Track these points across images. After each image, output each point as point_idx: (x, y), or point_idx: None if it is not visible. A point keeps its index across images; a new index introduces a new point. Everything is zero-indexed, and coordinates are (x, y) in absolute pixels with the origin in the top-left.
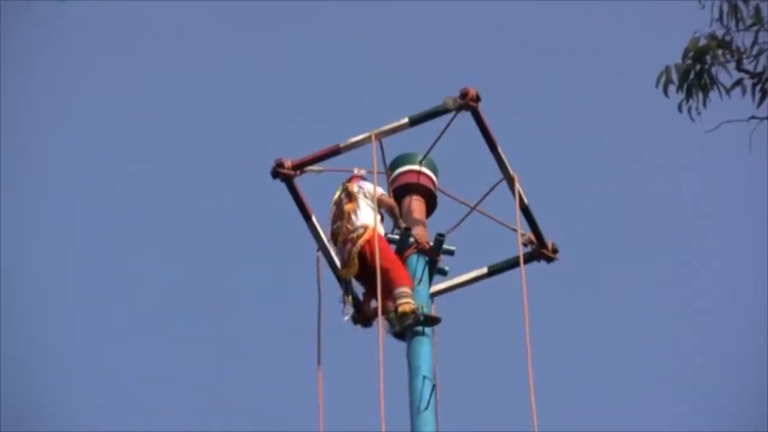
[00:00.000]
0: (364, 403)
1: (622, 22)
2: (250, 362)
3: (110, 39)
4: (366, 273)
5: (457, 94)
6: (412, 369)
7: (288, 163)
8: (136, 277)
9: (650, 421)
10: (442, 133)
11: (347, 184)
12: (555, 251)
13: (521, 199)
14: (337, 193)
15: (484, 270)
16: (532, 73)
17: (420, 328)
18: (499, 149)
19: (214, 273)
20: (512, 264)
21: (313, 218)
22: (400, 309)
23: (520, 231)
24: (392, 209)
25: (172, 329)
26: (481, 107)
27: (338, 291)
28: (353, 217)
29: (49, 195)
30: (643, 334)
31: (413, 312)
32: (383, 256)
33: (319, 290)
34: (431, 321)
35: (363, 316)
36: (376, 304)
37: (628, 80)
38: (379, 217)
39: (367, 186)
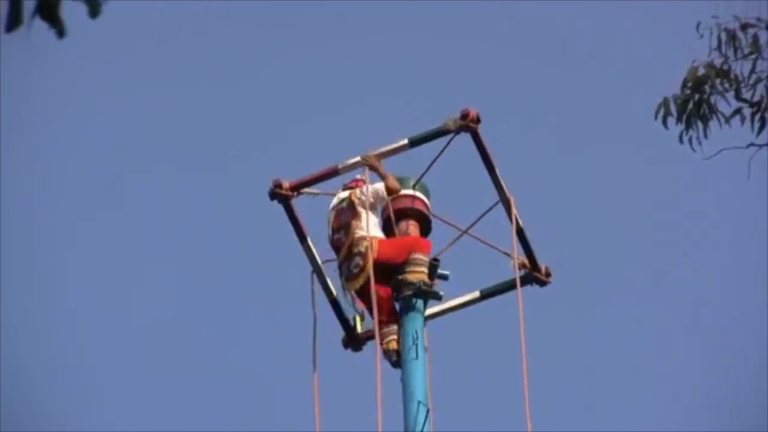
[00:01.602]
0: (358, 426)
1: (620, 51)
2: (248, 368)
3: (109, 47)
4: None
5: (457, 113)
6: (406, 394)
7: (286, 184)
8: (136, 281)
9: None
10: (439, 155)
11: (351, 192)
12: (548, 275)
13: (516, 222)
14: (336, 200)
15: (477, 294)
16: (528, 93)
17: (414, 354)
18: (497, 171)
19: (214, 279)
20: (505, 288)
21: (309, 240)
22: (389, 346)
23: (516, 255)
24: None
25: (171, 332)
26: (481, 129)
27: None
28: (356, 228)
29: (49, 198)
30: (638, 359)
31: (396, 351)
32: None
33: (314, 312)
34: (432, 294)
35: (354, 340)
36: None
37: (626, 109)
38: (376, 221)
39: (369, 190)
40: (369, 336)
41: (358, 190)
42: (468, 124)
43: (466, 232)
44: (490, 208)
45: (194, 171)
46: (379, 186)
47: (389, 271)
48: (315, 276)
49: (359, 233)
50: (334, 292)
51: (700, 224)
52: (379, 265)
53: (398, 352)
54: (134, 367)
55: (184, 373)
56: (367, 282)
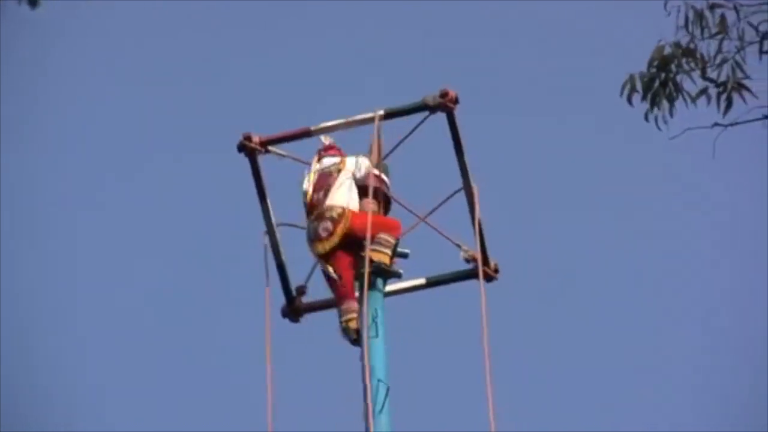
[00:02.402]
0: (314, 402)
1: (587, 28)
2: (250, 360)
3: (101, 40)
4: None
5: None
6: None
7: (256, 138)
8: (136, 278)
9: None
10: (411, 132)
11: (342, 161)
12: (496, 271)
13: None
14: (322, 165)
15: (423, 281)
16: (497, 79)
17: (374, 333)
18: (465, 157)
19: (213, 273)
20: (453, 278)
21: (268, 200)
22: (349, 325)
23: (477, 247)
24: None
25: (172, 329)
26: (457, 111)
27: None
28: (336, 194)
29: (48, 194)
30: (601, 349)
31: (356, 330)
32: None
33: (266, 274)
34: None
35: (293, 309)
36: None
37: (594, 85)
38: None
39: (364, 163)
40: (309, 308)
41: (350, 162)
42: (446, 103)
43: (423, 220)
44: (452, 195)
45: (182, 162)
46: (368, 163)
47: (355, 244)
48: (267, 237)
49: (338, 201)
50: (283, 258)
51: (667, 204)
52: (348, 236)
53: (358, 331)
54: (134, 367)
55: (185, 369)
56: (333, 249)
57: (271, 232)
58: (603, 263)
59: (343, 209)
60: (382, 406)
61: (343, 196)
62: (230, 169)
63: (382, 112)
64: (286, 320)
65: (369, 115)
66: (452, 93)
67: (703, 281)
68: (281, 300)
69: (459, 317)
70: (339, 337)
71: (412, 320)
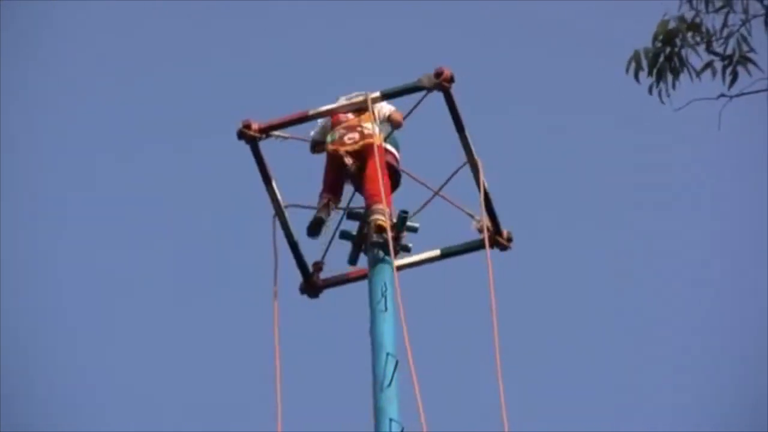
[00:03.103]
0: (323, 380)
1: (590, 5)
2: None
3: (90, 36)
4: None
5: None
6: (375, 345)
7: (255, 126)
8: (135, 276)
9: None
10: (410, 111)
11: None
12: (509, 240)
13: (483, 185)
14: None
15: (437, 252)
16: (499, 59)
17: (383, 307)
18: (467, 133)
19: (213, 268)
20: (467, 249)
21: (274, 183)
22: (377, 222)
23: (485, 217)
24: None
25: (172, 326)
26: (454, 89)
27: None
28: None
29: (43, 192)
30: (594, 326)
31: (384, 229)
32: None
33: (275, 257)
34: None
35: (311, 285)
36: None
37: (597, 63)
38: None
39: (384, 108)
40: (326, 284)
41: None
42: (441, 83)
43: (437, 193)
44: (457, 170)
45: (175, 150)
46: (392, 109)
47: (349, 173)
48: (277, 220)
49: (372, 129)
50: (295, 237)
51: (672, 180)
52: (358, 159)
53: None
54: (134, 367)
55: (185, 368)
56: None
57: (280, 214)
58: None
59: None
60: (391, 380)
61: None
62: (233, 154)
63: (377, 94)
64: (304, 297)
65: (363, 97)
66: (447, 72)
67: (705, 255)
68: (297, 280)
69: (473, 288)
70: (355, 313)
71: (427, 293)
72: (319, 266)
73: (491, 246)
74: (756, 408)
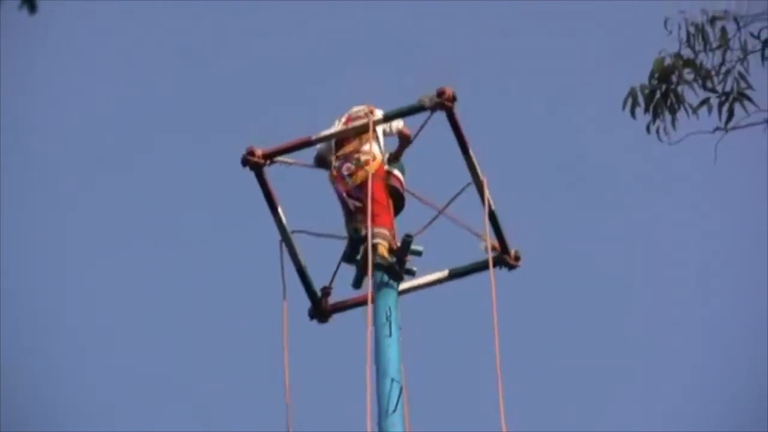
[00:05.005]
0: (328, 404)
1: (588, 48)
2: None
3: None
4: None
5: (433, 92)
6: (379, 371)
7: (259, 152)
8: (135, 276)
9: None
10: (416, 135)
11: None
12: (517, 258)
13: (488, 204)
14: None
15: (446, 273)
16: (499, 93)
17: (387, 332)
18: (471, 152)
19: (214, 270)
20: (474, 269)
21: (279, 209)
22: (378, 246)
23: (488, 237)
24: (407, 143)
25: (173, 328)
26: (457, 108)
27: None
28: (366, 142)
29: (43, 192)
30: (608, 345)
31: (383, 257)
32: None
33: (283, 282)
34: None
35: (320, 312)
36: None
37: (595, 105)
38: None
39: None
40: (335, 308)
41: (380, 113)
42: (444, 103)
43: (442, 212)
44: (462, 189)
45: (176, 146)
46: (401, 124)
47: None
48: (284, 245)
49: (373, 152)
50: (302, 262)
51: (669, 213)
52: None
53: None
54: (134, 367)
55: (185, 368)
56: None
57: (286, 240)
58: (613, 258)
59: (374, 157)
60: (396, 407)
61: (376, 150)
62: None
63: (379, 116)
64: (314, 322)
65: (364, 120)
66: (449, 91)
67: (701, 282)
68: (305, 305)
69: (480, 309)
70: (361, 337)
71: (431, 315)
72: (327, 291)
73: (499, 265)
74: (756, 408)
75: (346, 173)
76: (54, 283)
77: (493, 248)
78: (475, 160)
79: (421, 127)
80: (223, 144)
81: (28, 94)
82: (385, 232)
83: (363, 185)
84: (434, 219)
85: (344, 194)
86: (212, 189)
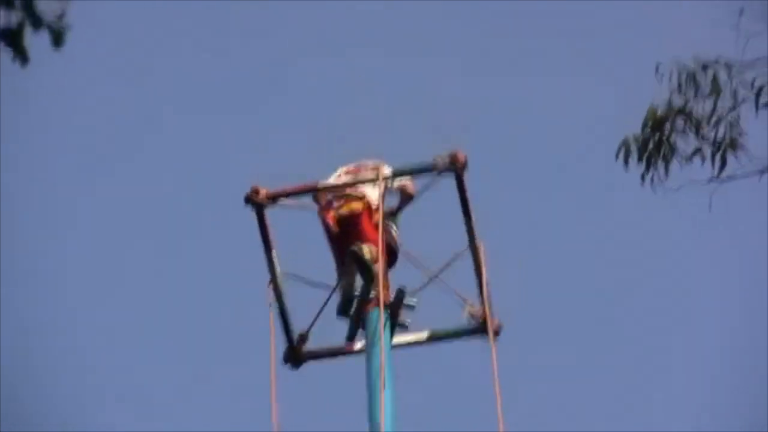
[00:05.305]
0: None
1: (579, 99)
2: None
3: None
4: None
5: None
6: (372, 426)
7: (263, 192)
8: (135, 276)
9: None
10: (420, 194)
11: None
12: (497, 333)
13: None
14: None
15: (425, 335)
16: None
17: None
18: (473, 218)
19: (214, 271)
20: (455, 334)
21: (273, 252)
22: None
23: (487, 302)
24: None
25: (173, 328)
26: (467, 175)
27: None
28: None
29: (42, 192)
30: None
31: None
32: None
33: (271, 326)
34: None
35: (295, 356)
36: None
37: (588, 155)
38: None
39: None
40: (310, 356)
41: (387, 170)
42: (456, 167)
43: (436, 276)
44: (457, 255)
45: (174, 171)
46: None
47: (345, 239)
48: (272, 287)
49: (367, 194)
50: (286, 305)
51: (665, 262)
52: (348, 224)
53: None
54: (134, 367)
55: (186, 367)
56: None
57: (275, 282)
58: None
59: (364, 197)
60: None
61: (371, 195)
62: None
63: (389, 172)
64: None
65: (374, 173)
66: (461, 156)
67: (712, 327)
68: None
69: (459, 374)
70: (344, 387)
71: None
72: (304, 337)
73: (479, 333)
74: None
75: (335, 204)
76: (54, 284)
77: (476, 315)
78: (475, 227)
79: (427, 187)
80: (223, 144)
81: (28, 94)
82: (372, 246)
83: (351, 216)
84: (427, 284)
85: (329, 222)
86: (212, 189)
